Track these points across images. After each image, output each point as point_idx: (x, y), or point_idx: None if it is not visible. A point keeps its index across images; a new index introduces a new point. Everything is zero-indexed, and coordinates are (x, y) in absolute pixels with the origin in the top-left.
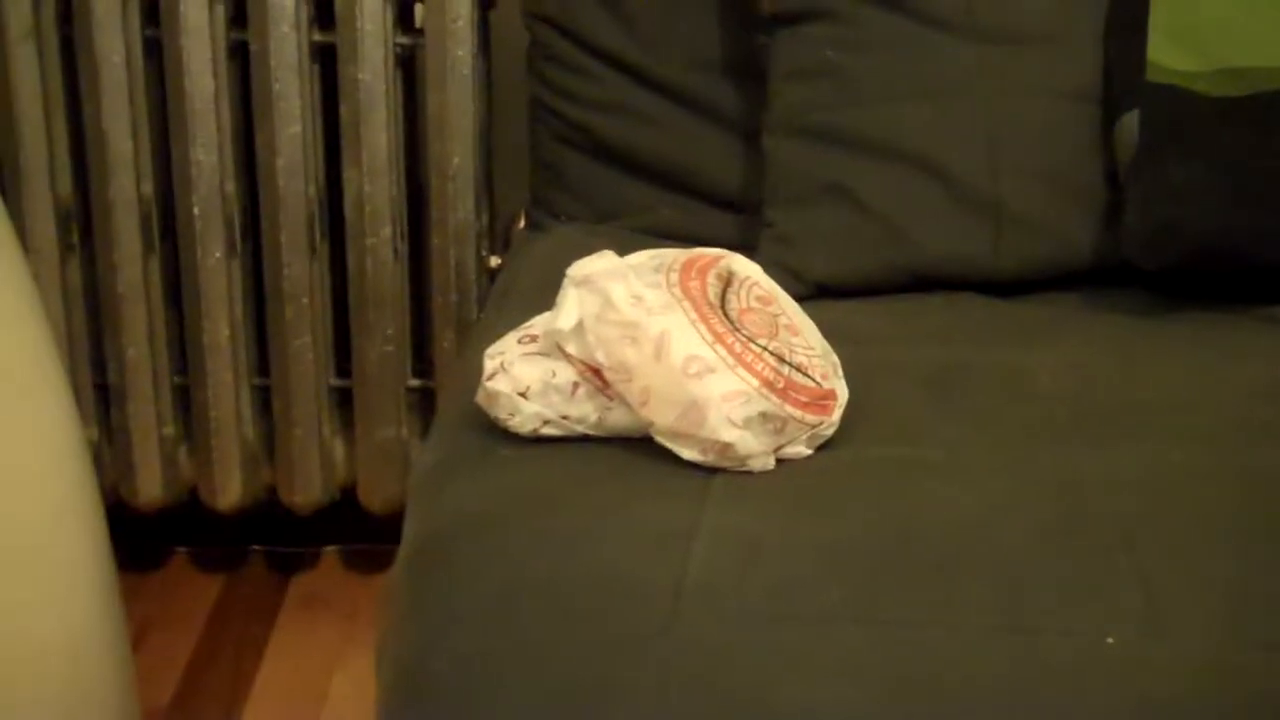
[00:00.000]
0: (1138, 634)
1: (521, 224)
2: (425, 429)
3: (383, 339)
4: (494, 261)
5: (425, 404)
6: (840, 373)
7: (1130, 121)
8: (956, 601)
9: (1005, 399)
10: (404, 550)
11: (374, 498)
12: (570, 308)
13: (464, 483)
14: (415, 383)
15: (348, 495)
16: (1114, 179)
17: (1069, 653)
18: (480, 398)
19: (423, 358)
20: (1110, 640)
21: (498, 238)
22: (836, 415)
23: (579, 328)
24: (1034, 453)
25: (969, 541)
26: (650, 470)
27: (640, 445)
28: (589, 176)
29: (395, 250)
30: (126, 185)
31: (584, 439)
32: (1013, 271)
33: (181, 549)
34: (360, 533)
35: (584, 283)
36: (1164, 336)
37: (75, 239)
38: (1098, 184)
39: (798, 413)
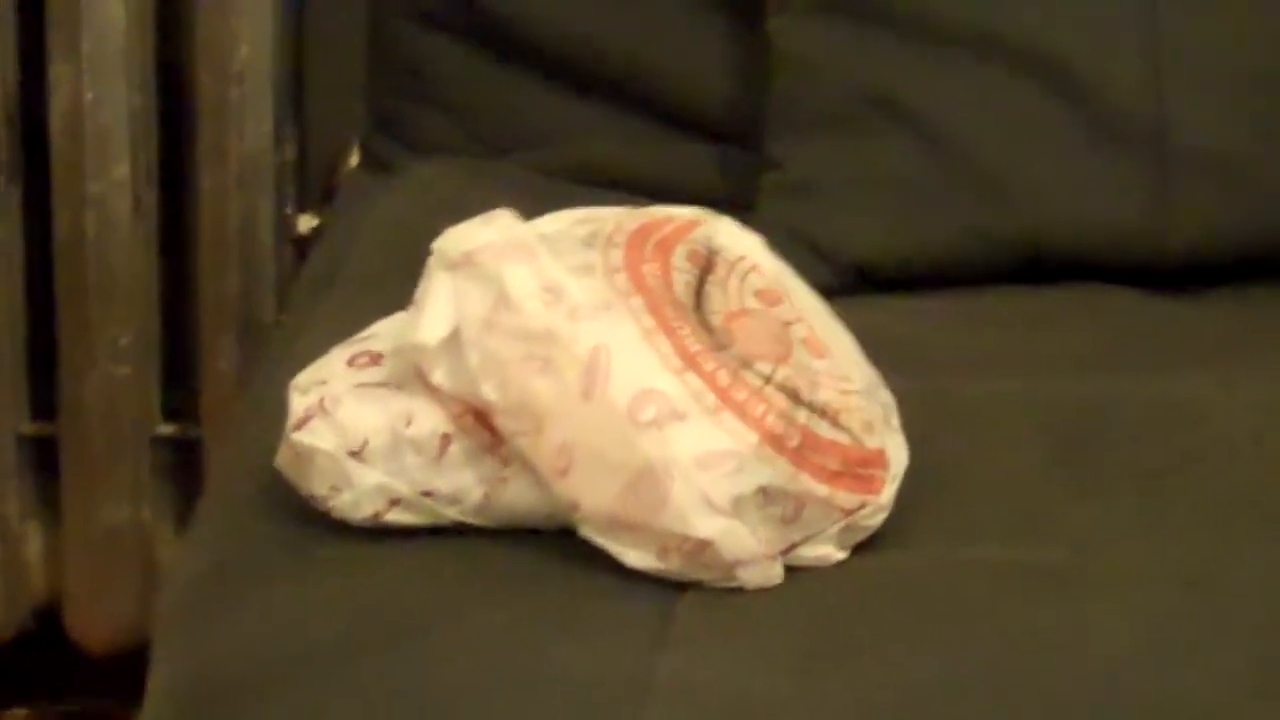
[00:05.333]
0: None
1: (354, 159)
2: (184, 510)
3: (113, 354)
4: (306, 224)
5: (184, 467)
6: (895, 421)
7: None
8: None
9: (1172, 462)
10: (150, 716)
11: (92, 626)
12: (439, 308)
13: (254, 605)
14: (167, 429)
15: (47, 621)
16: None
17: None
18: (284, 459)
19: (180, 387)
20: None
21: (312, 182)
22: (888, 494)
23: (453, 341)
24: (1219, 554)
25: (1113, 707)
26: (572, 585)
27: (556, 544)
28: (472, 79)
29: (136, 201)
30: None
31: (459, 531)
32: (1188, 250)
33: None
34: (68, 684)
35: (463, 264)
36: None
37: None
38: None
39: (823, 489)
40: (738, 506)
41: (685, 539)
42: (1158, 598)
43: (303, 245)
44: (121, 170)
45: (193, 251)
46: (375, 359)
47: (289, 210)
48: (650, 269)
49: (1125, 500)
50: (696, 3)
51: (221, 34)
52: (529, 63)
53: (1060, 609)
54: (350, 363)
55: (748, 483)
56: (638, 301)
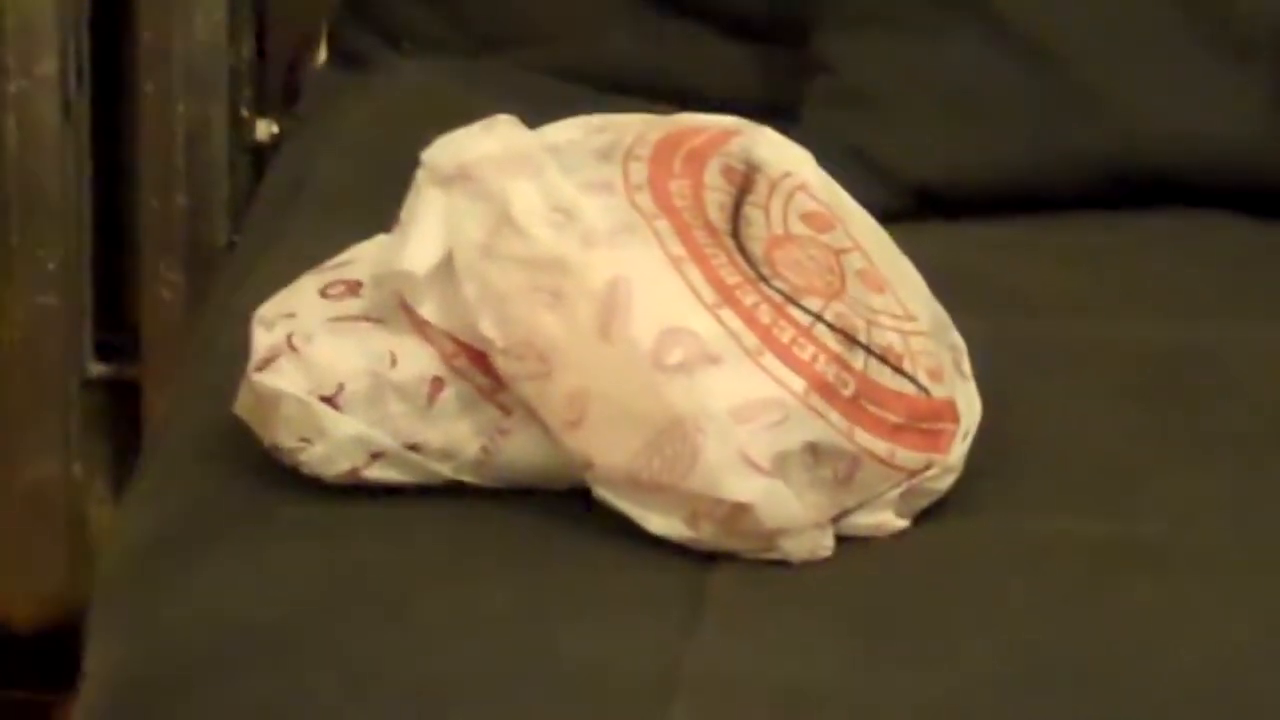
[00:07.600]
0: None
1: (322, 54)
2: (122, 465)
3: (36, 282)
4: (265, 130)
5: (121, 413)
6: (967, 368)
7: None
8: None
9: None
10: (87, 704)
11: (14, 601)
12: (429, 230)
13: (207, 575)
14: (101, 369)
15: None
16: None
17: None
18: (244, 405)
19: (117, 320)
20: None
21: (273, 81)
22: (957, 453)
23: (446, 269)
24: None
25: (1223, 705)
26: (585, 556)
27: (566, 507)
28: None
29: (65, 104)
30: None
31: (452, 491)
32: None
33: None
34: None
35: (458, 179)
36: None
37: None
38: None
39: (882, 446)
40: (781, 465)
41: (719, 503)
42: (1271, 578)
43: (261, 155)
44: (48, 67)
45: (131, 162)
46: (352, 289)
47: (245, 114)
48: (678, 186)
49: (1229, 464)
50: None
51: None
52: None
53: (1158, 591)
54: (323, 293)
55: (793, 438)
56: (664, 224)
